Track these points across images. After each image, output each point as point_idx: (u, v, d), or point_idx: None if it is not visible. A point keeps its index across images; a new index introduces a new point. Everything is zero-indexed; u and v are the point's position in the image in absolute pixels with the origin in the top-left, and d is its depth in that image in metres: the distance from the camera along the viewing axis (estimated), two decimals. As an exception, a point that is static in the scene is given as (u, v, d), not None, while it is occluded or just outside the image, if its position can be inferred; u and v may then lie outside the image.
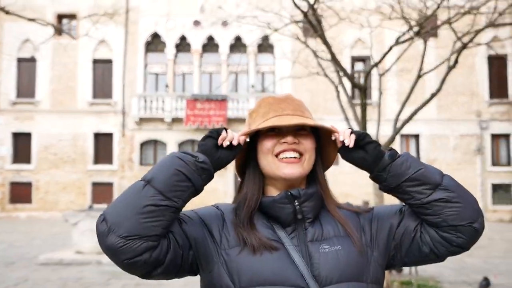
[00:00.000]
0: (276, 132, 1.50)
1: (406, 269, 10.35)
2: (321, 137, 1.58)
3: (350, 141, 1.47)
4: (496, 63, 24.91)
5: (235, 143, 1.46)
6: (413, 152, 25.43)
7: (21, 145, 25.36)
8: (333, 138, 1.52)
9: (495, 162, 25.48)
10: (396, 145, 24.42)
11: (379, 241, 1.51)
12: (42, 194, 25.03)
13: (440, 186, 1.44)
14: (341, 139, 1.48)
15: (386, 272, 7.88)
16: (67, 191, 24.93)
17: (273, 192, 1.52)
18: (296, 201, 1.47)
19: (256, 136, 1.53)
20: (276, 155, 1.49)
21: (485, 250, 14.14)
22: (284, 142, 1.48)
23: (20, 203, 25.00)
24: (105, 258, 11.10)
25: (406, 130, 23.36)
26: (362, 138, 1.49)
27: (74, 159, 25.17)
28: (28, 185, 25.12)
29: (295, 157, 1.48)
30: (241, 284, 1.38)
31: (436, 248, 1.47)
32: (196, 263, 1.45)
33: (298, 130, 1.51)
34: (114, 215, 1.32)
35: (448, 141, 25.36)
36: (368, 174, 1.55)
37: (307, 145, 1.50)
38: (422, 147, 25.36)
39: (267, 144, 1.49)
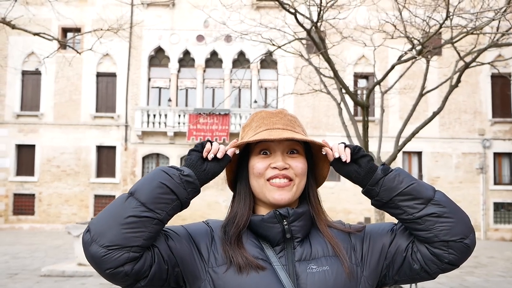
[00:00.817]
0: (267, 154, 1.51)
1: (405, 286, 10.32)
2: (314, 153, 1.59)
3: (346, 156, 1.48)
4: (499, 82, 24.97)
5: (219, 155, 1.46)
6: (415, 170, 25.42)
7: (25, 157, 25.44)
8: (323, 153, 1.52)
9: (498, 181, 25.44)
10: (399, 162, 24.41)
11: (371, 261, 1.50)
12: (45, 206, 25.05)
13: (432, 201, 1.44)
14: (336, 155, 1.48)
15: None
16: (69, 203, 24.94)
17: (263, 211, 1.52)
18: (284, 220, 1.46)
19: (247, 155, 1.54)
20: (268, 179, 1.48)
21: (486, 268, 14.09)
22: (275, 168, 1.48)
23: (23, 215, 25.02)
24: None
25: (408, 147, 23.38)
26: (356, 152, 1.50)
27: (77, 171, 25.22)
28: (31, 197, 25.15)
29: (285, 182, 1.48)
30: None
31: (427, 265, 1.46)
32: (183, 279, 1.45)
33: (290, 153, 1.52)
34: (98, 226, 1.34)
35: (451, 159, 25.35)
36: (361, 189, 1.55)
37: (298, 169, 1.50)
38: (425, 165, 25.34)
39: (258, 168, 1.49)
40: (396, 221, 1.58)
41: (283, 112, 1.58)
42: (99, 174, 25.22)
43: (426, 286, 10.91)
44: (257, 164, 1.50)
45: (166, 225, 1.50)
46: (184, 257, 1.44)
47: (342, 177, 24.88)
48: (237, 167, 1.58)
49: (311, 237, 1.50)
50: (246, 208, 1.50)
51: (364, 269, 1.48)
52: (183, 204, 1.43)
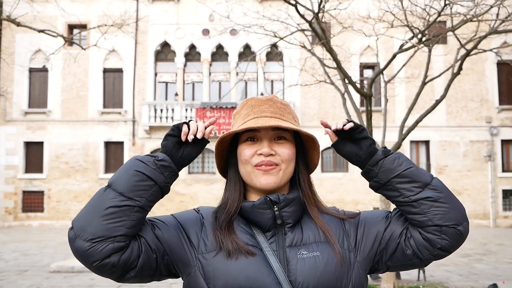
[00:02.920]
0: (254, 140, 1.53)
1: (414, 275, 10.37)
2: (303, 141, 1.59)
3: (347, 126, 1.48)
4: (505, 69, 24.84)
5: (199, 136, 1.48)
6: (423, 159, 25.40)
7: (33, 155, 25.63)
8: (325, 134, 1.54)
9: (506, 168, 25.37)
10: (406, 152, 24.39)
11: (364, 247, 1.51)
12: (54, 203, 25.24)
13: (429, 186, 1.46)
14: (337, 126, 1.49)
15: (394, 278, 7.79)
16: (78, 199, 25.12)
17: (254, 197, 1.54)
18: (275, 206, 1.47)
19: (236, 142, 1.56)
20: (254, 166, 1.50)
21: (495, 256, 14.11)
22: (261, 154, 1.49)
23: (32, 212, 25.22)
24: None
25: (415, 136, 23.36)
26: (360, 131, 1.51)
27: (85, 168, 25.38)
28: (40, 194, 25.36)
29: (271, 166, 1.49)
30: None
31: (420, 251, 1.47)
32: (174, 267, 1.48)
33: (278, 139, 1.53)
34: (80, 221, 1.37)
35: (458, 147, 25.29)
36: (360, 170, 1.57)
37: (284, 154, 1.51)
38: (432, 154, 25.31)
39: (245, 154, 1.51)
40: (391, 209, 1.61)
41: (273, 99, 1.58)
42: (108, 169, 25.36)
43: (435, 274, 10.96)
44: (244, 151, 1.52)
45: (156, 215, 1.54)
46: (172, 245, 1.45)
47: (350, 168, 24.96)
48: (227, 154, 1.60)
49: (303, 223, 1.51)
50: (237, 195, 1.52)
51: (358, 255, 1.49)
52: (163, 189, 1.44)
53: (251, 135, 1.53)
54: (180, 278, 1.54)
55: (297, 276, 1.40)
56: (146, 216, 1.45)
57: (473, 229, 23.36)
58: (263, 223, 1.48)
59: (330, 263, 1.43)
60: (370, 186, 1.55)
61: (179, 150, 1.50)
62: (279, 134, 1.53)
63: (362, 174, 1.55)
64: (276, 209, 1.47)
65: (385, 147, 1.56)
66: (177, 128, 1.50)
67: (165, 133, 1.51)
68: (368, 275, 1.56)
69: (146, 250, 1.41)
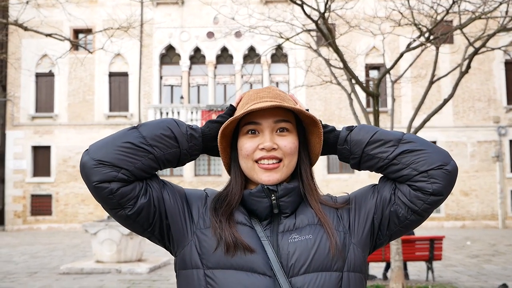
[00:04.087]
0: (255, 133, 1.49)
1: (423, 276, 10.33)
2: (305, 127, 1.56)
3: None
4: (513, 68, 24.74)
5: None
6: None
7: (41, 159, 25.76)
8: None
9: (514, 168, 25.22)
10: (413, 152, 24.27)
11: (358, 227, 1.49)
12: (62, 206, 25.34)
13: (401, 141, 1.46)
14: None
15: (403, 278, 7.73)
16: (86, 203, 25.19)
17: (254, 187, 1.51)
18: (273, 195, 1.45)
19: (237, 135, 1.53)
20: (256, 161, 1.47)
21: (504, 256, 14.03)
22: (263, 149, 1.46)
23: (41, 215, 25.35)
24: (125, 267, 11.26)
25: (423, 137, 23.16)
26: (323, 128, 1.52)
27: (92, 171, 25.41)
28: (48, 197, 25.46)
29: (273, 163, 1.46)
30: (208, 265, 1.40)
31: (414, 203, 1.43)
32: (168, 236, 1.48)
33: (280, 131, 1.49)
34: (96, 144, 1.42)
35: (466, 147, 25.15)
36: (338, 157, 1.56)
37: (287, 149, 1.48)
38: (439, 154, 25.16)
39: (246, 148, 1.48)
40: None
41: (272, 88, 1.56)
42: (115, 173, 25.37)
43: (444, 274, 10.91)
44: (245, 145, 1.49)
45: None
46: (175, 213, 1.46)
47: (356, 170, 24.77)
48: (229, 151, 1.57)
49: (298, 209, 1.50)
50: (238, 187, 1.50)
51: (353, 236, 1.47)
52: (181, 155, 1.47)
53: (252, 127, 1.49)
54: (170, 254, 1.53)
55: (289, 260, 1.39)
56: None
57: (482, 230, 23.25)
58: (259, 212, 1.46)
59: (322, 245, 1.41)
60: (352, 166, 1.54)
61: (215, 140, 1.52)
62: (281, 125, 1.49)
63: (340, 158, 1.55)
64: (273, 197, 1.45)
65: (348, 126, 1.55)
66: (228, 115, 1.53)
67: (218, 115, 1.54)
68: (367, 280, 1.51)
69: (149, 199, 1.42)
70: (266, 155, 1.46)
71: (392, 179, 1.49)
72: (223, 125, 1.46)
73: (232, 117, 1.46)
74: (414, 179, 1.43)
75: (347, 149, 1.50)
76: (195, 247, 1.43)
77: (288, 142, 1.48)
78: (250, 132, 1.49)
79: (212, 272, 1.40)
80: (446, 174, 1.42)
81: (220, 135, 1.48)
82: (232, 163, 1.55)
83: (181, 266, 1.46)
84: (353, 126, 1.54)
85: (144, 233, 1.49)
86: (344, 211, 1.52)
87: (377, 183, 1.57)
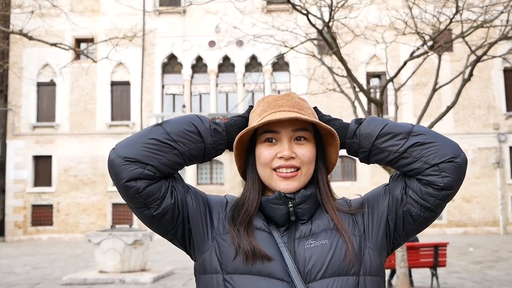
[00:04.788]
0: (273, 141, 1.50)
1: (427, 282, 10.33)
2: (322, 137, 1.56)
3: None
4: (512, 76, 24.86)
5: None
6: (431, 167, 25.32)
7: (42, 168, 25.76)
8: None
9: (515, 175, 25.25)
10: (414, 160, 24.33)
11: (373, 231, 1.49)
12: (63, 216, 25.31)
13: (411, 133, 1.45)
14: None
15: (408, 285, 7.73)
16: (87, 212, 25.18)
17: (272, 194, 1.51)
18: (290, 202, 1.46)
19: (254, 142, 1.53)
20: (274, 169, 1.48)
21: (507, 262, 14.03)
22: (281, 157, 1.47)
23: (42, 226, 25.31)
24: (128, 277, 11.25)
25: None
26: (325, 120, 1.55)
27: (94, 181, 25.45)
28: (49, 207, 25.44)
29: (292, 171, 1.47)
30: (227, 270, 1.42)
31: (425, 200, 1.43)
32: (189, 240, 1.50)
33: (298, 139, 1.50)
34: (122, 143, 1.45)
35: (466, 154, 24.71)
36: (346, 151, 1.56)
37: (305, 157, 1.48)
38: (440, 161, 25.22)
39: (265, 157, 1.49)
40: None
41: (291, 95, 1.55)
42: (116, 182, 25.36)
43: (448, 281, 10.91)
44: (264, 153, 1.49)
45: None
46: (197, 217, 1.49)
47: (358, 177, 24.95)
48: (246, 154, 1.57)
49: (314, 215, 1.51)
50: (255, 194, 1.51)
51: (368, 240, 1.48)
52: (207, 150, 1.49)
53: (270, 136, 1.49)
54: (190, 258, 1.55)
55: (306, 266, 1.41)
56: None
57: (483, 237, 23.24)
58: (277, 219, 1.47)
59: (338, 250, 1.42)
60: (361, 160, 1.54)
61: (237, 131, 1.53)
62: (299, 134, 1.50)
63: (348, 152, 1.54)
64: (290, 205, 1.46)
65: (356, 119, 1.55)
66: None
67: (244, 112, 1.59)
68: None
69: (174, 201, 1.45)
70: (284, 164, 1.46)
71: (403, 173, 1.49)
72: (240, 133, 1.47)
73: (249, 127, 1.47)
74: (425, 173, 1.42)
75: (356, 142, 1.50)
76: (215, 252, 1.45)
77: (306, 151, 1.49)
78: (268, 141, 1.49)
79: (231, 277, 1.42)
80: (456, 168, 1.42)
81: (237, 142, 1.49)
82: (250, 169, 1.55)
83: (201, 271, 1.48)
84: (362, 118, 1.54)
85: (167, 235, 1.52)
86: (358, 215, 1.52)
87: (388, 183, 1.56)
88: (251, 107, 1.58)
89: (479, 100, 25.40)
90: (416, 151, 1.43)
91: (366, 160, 1.52)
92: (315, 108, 1.60)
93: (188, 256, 1.58)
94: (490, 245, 18.87)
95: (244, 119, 1.56)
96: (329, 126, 1.47)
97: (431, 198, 1.43)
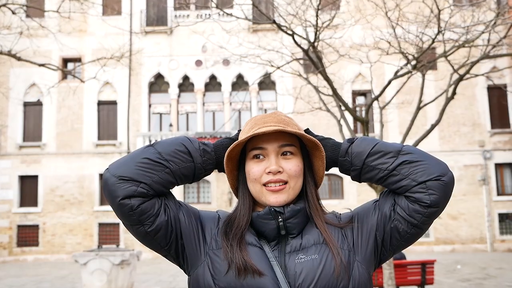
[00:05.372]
0: (260, 158, 1.55)
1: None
2: (309, 151, 1.62)
3: None
4: (496, 93, 25.20)
5: None
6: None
7: (28, 188, 25.53)
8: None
9: (501, 192, 25.46)
10: (401, 177, 24.44)
11: (362, 245, 1.54)
12: (49, 237, 25.05)
13: (401, 152, 1.51)
14: None
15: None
16: (74, 233, 24.95)
17: (262, 209, 1.57)
18: (280, 217, 1.51)
19: (243, 159, 1.60)
20: (264, 184, 1.53)
21: (495, 280, 14.09)
22: (270, 172, 1.52)
23: (27, 247, 25.00)
24: (115, 298, 11.15)
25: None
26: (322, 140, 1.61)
27: (80, 200, 25.27)
28: (35, 228, 25.16)
29: (280, 185, 1.52)
30: (220, 285, 1.45)
31: (412, 217, 1.48)
32: (183, 255, 1.55)
33: (285, 154, 1.55)
34: (116, 163, 1.52)
35: (453, 171, 25.15)
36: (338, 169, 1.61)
37: (291, 171, 1.54)
38: (427, 179, 25.35)
39: (254, 173, 1.55)
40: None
41: (277, 113, 1.62)
42: (103, 202, 25.23)
43: (434, 298, 10.93)
44: (253, 169, 1.55)
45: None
46: (189, 233, 1.54)
47: (345, 195, 25.01)
48: (237, 171, 1.64)
49: (304, 229, 1.55)
50: (246, 209, 1.56)
51: (357, 254, 1.52)
52: (196, 170, 1.55)
53: (258, 152, 1.56)
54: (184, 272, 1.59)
55: (296, 280, 1.44)
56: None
57: (471, 254, 23.33)
58: (267, 233, 1.52)
59: (328, 264, 1.46)
60: (353, 178, 1.59)
61: (224, 151, 1.59)
62: (285, 149, 1.56)
63: (340, 170, 1.60)
64: (280, 219, 1.51)
65: (349, 138, 1.61)
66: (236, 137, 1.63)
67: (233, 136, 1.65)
68: None
69: (167, 218, 1.51)
70: (273, 179, 1.52)
71: (392, 191, 1.54)
72: (229, 148, 1.53)
73: (237, 141, 1.53)
74: (412, 190, 1.47)
75: (348, 160, 1.56)
76: (208, 267, 1.49)
77: (292, 165, 1.54)
78: (256, 157, 1.56)
79: None
80: (443, 185, 1.48)
81: (226, 158, 1.55)
82: (241, 186, 1.60)
83: (195, 285, 1.52)
84: (353, 138, 1.60)
85: (161, 251, 1.57)
86: (348, 229, 1.57)
87: (378, 198, 1.62)
88: (239, 131, 1.64)
89: (464, 117, 25.68)
90: (404, 169, 1.49)
91: (358, 178, 1.58)
92: (307, 129, 1.65)
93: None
94: (478, 263, 18.94)
95: (232, 141, 1.61)
96: (312, 137, 1.54)
97: (418, 215, 1.48)
